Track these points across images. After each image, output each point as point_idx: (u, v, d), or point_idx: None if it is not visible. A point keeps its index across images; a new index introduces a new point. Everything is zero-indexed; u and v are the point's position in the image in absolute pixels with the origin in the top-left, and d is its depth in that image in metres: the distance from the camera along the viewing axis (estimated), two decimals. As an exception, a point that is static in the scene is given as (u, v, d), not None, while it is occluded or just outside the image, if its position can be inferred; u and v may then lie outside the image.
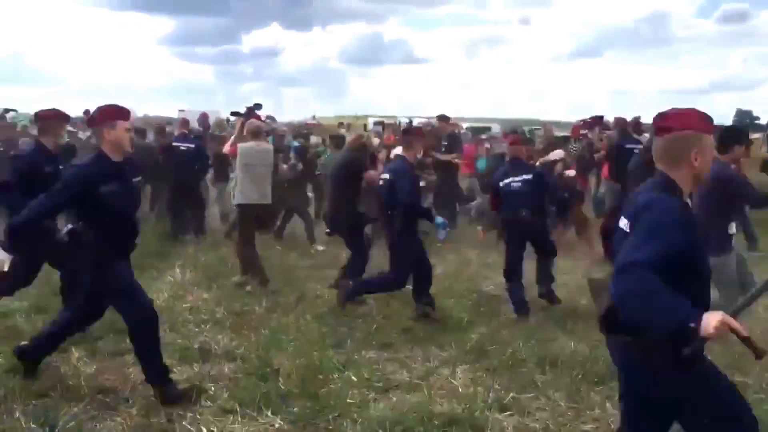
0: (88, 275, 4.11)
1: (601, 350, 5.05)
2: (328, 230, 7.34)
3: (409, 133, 6.59)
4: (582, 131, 12.95)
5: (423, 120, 18.98)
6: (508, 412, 4.06)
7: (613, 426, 3.91)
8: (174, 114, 33.52)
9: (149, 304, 4.11)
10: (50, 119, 5.36)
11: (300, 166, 9.44)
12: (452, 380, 4.55)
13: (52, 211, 4.11)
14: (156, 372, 4.09)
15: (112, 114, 4.07)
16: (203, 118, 12.44)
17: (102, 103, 4.18)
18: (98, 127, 4.09)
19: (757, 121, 40.91)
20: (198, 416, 3.90)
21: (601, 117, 15.28)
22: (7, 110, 12.72)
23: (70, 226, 4.09)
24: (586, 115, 16.35)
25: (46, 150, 5.26)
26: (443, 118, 10.57)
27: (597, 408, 4.17)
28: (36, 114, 5.58)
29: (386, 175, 6.14)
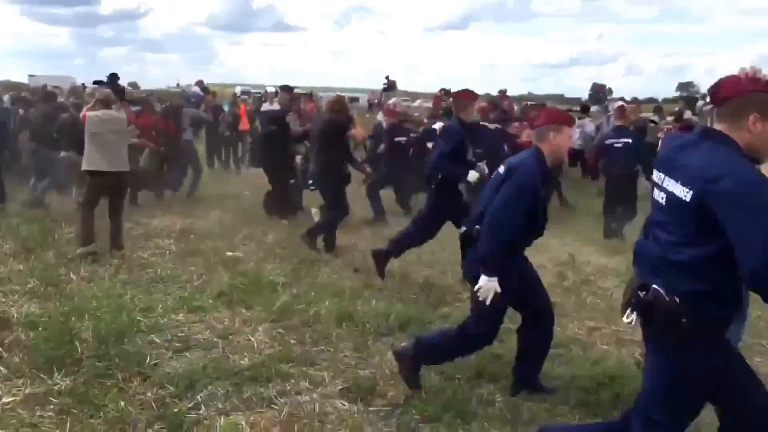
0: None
1: (396, 306, 5.53)
2: (312, 186, 7.91)
3: None
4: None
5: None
6: (292, 363, 4.39)
7: (389, 371, 4.34)
8: (24, 79, 31.47)
9: (550, 308, 4.12)
10: (463, 98, 6.35)
11: None
12: (251, 337, 4.83)
13: (518, 225, 3.74)
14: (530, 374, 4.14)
15: (563, 119, 3.99)
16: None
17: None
18: (543, 128, 3.92)
19: (610, 96, 43.69)
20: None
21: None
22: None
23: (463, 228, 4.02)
24: (449, 87, 17.20)
25: (464, 125, 6.26)
26: (286, 89, 10.70)
27: (378, 356, 4.59)
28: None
29: None
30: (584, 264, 7.17)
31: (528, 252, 4.09)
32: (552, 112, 4.25)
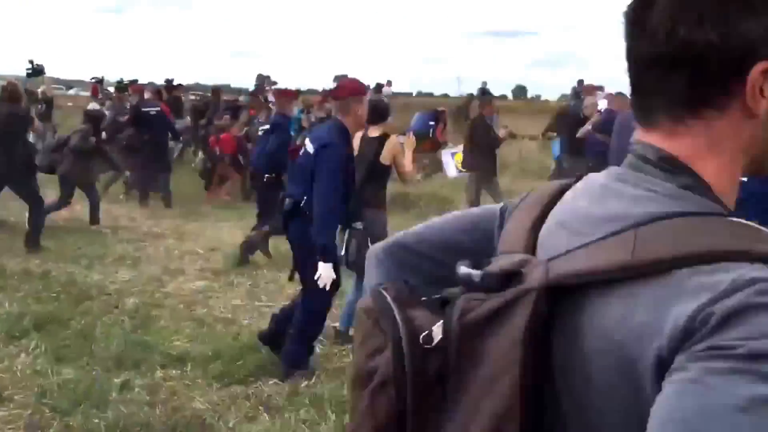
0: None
1: (32, 306, 5.23)
2: None
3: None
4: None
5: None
6: None
7: (20, 374, 4.10)
8: None
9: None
10: (287, 95, 7.02)
11: None
12: None
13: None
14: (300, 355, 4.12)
15: (363, 89, 4.23)
16: None
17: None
18: (347, 100, 4.01)
19: (273, 86, 45.27)
20: None
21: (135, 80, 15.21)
22: None
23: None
24: (101, 76, 16.19)
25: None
26: None
27: (7, 360, 4.31)
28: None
29: None
30: (233, 247, 7.44)
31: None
32: (354, 83, 4.28)
